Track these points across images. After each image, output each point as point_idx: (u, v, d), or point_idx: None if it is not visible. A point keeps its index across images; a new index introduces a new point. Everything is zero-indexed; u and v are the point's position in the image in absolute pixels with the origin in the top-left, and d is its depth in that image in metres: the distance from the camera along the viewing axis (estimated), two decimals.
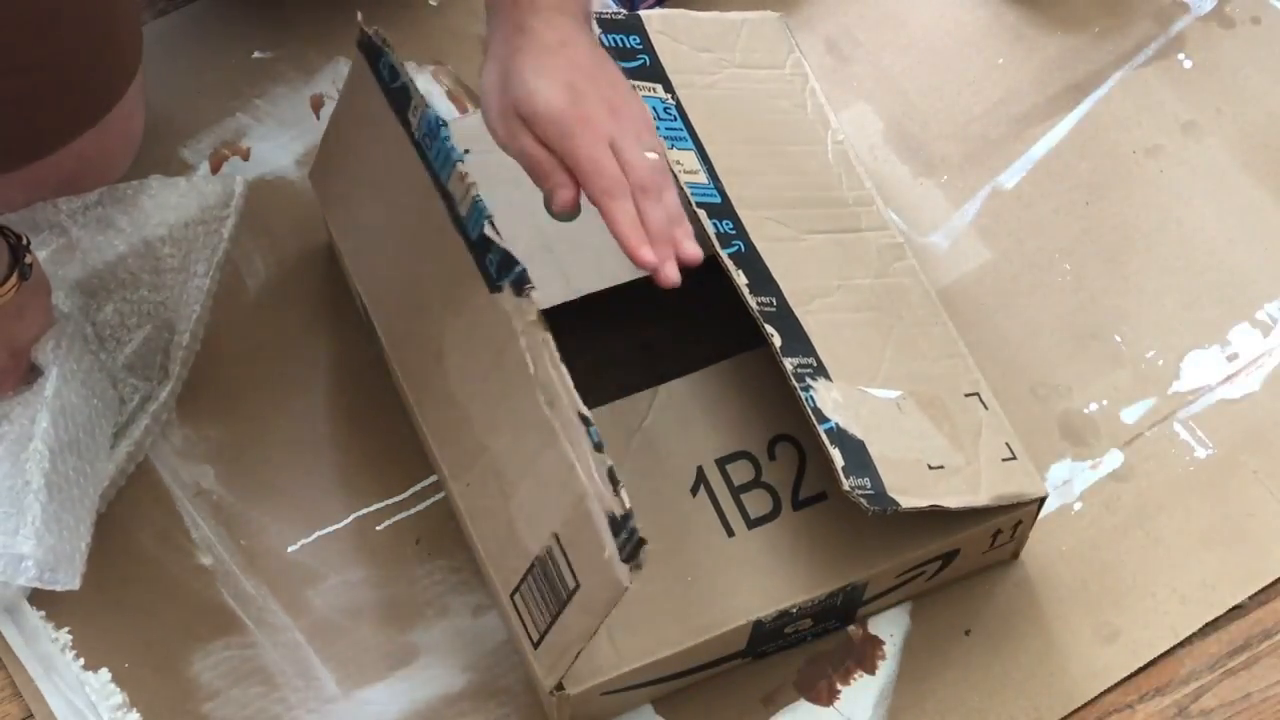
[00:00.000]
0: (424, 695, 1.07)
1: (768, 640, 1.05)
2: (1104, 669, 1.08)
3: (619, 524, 0.91)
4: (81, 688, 1.06)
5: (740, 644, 1.04)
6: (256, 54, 1.27)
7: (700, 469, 1.05)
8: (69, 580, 1.04)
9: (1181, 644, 1.09)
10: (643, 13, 1.10)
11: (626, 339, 1.12)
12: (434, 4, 1.29)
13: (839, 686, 1.07)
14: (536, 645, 0.98)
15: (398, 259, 1.08)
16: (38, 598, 1.08)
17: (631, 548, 0.90)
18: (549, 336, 0.95)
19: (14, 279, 1.04)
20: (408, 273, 1.07)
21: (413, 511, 1.12)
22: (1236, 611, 1.11)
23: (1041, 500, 1.05)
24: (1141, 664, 1.09)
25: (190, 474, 1.12)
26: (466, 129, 1.08)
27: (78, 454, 1.07)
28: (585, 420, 0.93)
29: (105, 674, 1.06)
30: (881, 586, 1.06)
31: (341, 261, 1.13)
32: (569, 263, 1.10)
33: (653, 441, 1.06)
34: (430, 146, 1.02)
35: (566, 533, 0.94)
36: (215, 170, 1.22)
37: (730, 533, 1.03)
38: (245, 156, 1.23)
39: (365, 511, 1.12)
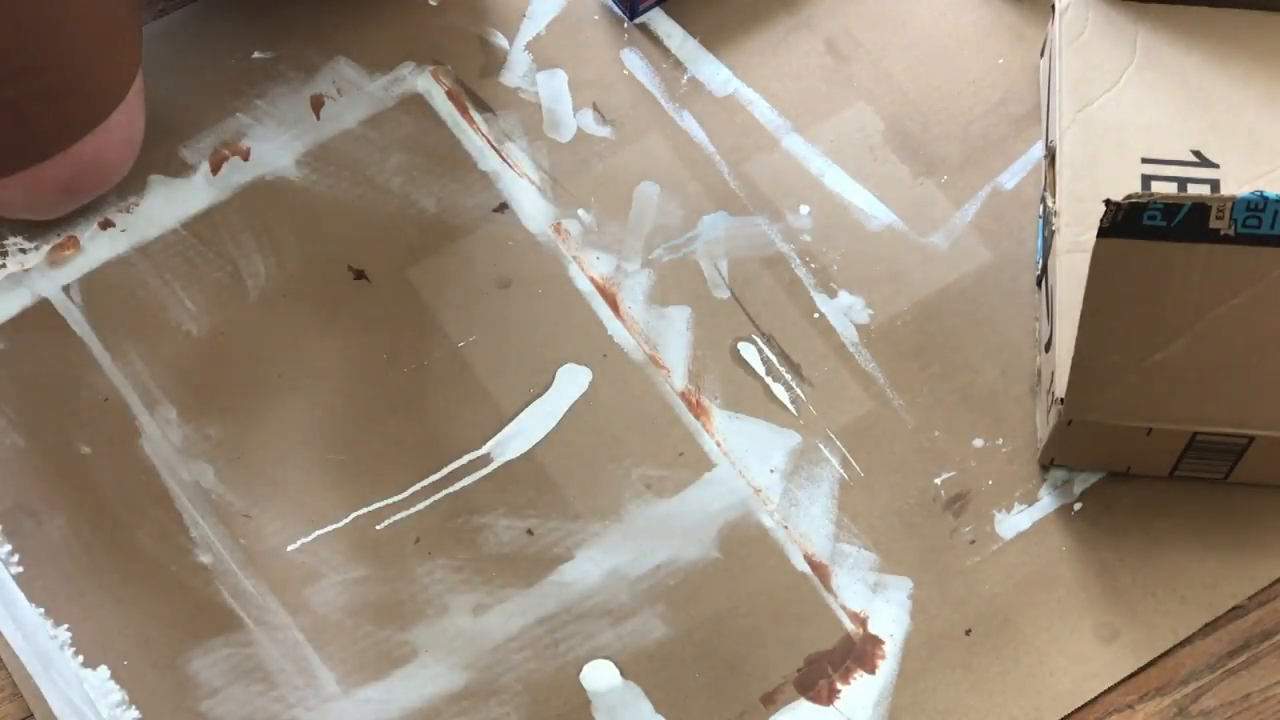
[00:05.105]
0: (424, 694, 1.07)
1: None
2: (1104, 669, 1.08)
3: None
4: (80, 685, 1.06)
5: None
6: (256, 54, 1.27)
7: None
8: None
9: (1181, 644, 1.09)
10: None
11: None
12: (434, 4, 1.29)
13: (839, 686, 1.08)
14: None
15: None
16: (36, 595, 1.08)
17: None
18: None
19: None
20: None
21: (413, 511, 1.12)
22: (1236, 611, 1.11)
23: None
24: (1141, 664, 1.09)
25: (190, 472, 1.12)
26: None
27: None
28: None
29: (104, 671, 1.06)
30: None
31: None
32: None
33: None
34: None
35: None
36: (215, 170, 1.22)
37: None
38: (245, 156, 1.23)
39: (365, 511, 1.12)
